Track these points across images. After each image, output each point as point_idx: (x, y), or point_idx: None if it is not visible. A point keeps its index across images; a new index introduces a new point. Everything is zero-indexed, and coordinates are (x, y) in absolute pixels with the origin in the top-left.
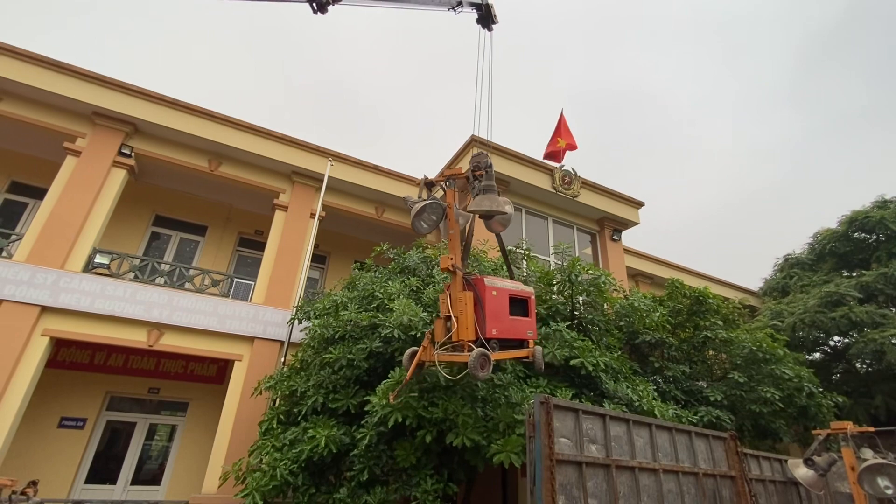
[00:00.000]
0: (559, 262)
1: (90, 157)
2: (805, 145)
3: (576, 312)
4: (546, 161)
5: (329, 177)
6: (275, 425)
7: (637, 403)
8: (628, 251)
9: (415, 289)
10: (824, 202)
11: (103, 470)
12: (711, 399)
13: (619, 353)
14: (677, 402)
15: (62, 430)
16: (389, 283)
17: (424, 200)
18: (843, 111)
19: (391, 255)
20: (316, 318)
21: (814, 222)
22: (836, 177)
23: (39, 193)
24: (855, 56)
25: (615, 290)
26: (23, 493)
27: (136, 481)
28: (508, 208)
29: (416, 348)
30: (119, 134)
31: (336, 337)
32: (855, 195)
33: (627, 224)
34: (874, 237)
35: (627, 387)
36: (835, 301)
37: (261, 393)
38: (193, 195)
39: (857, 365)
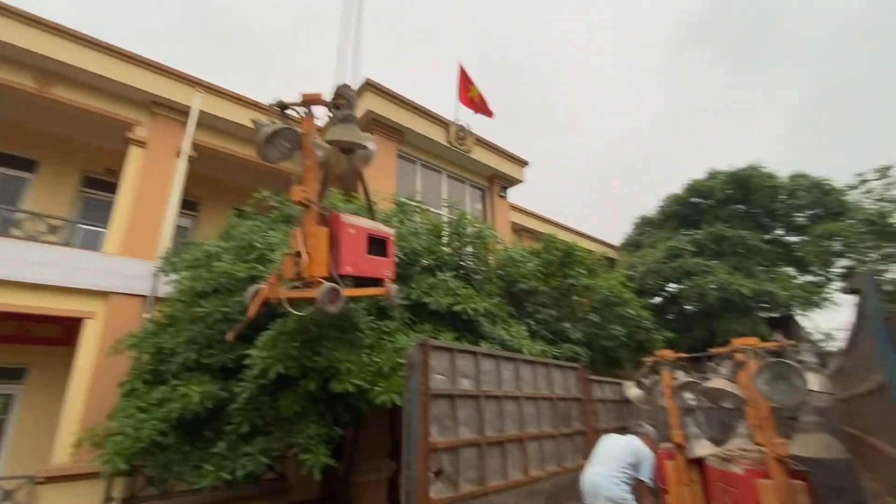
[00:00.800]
0: (452, 217)
1: None
2: (671, 121)
3: (462, 263)
4: (440, 115)
5: (200, 111)
6: (139, 385)
7: (510, 342)
8: (514, 208)
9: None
10: (684, 171)
11: None
12: (572, 337)
13: (498, 299)
14: (545, 340)
15: None
16: (271, 232)
17: (276, 125)
18: (706, 92)
19: (273, 203)
20: (185, 269)
21: (669, 188)
22: (696, 149)
23: None
24: (717, 43)
25: (498, 242)
26: None
27: None
28: (370, 144)
29: (259, 285)
30: None
31: (209, 290)
32: (709, 165)
33: (514, 182)
34: (707, 202)
35: (503, 329)
36: (675, 254)
37: (121, 352)
38: (16, 121)
39: (685, 306)
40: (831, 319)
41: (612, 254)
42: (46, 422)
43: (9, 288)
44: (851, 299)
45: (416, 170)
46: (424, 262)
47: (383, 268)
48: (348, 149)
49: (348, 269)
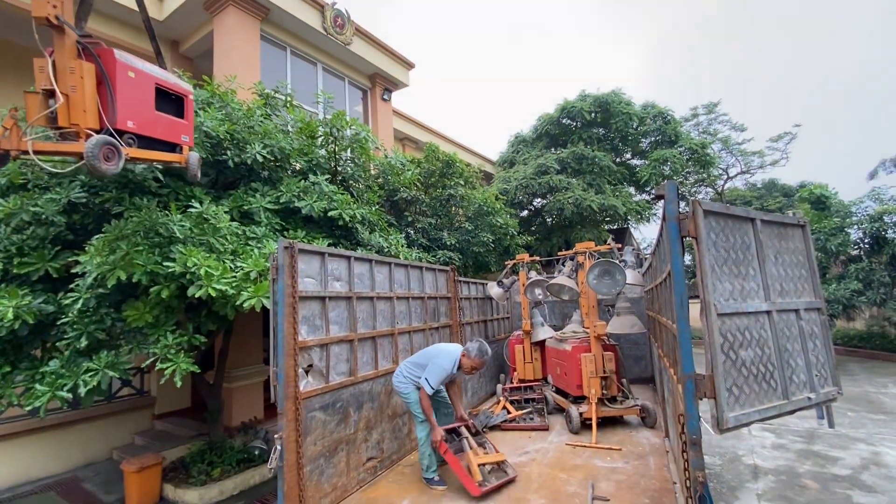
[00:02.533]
0: (328, 117)
1: None
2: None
3: (338, 168)
4: None
5: None
6: None
7: (387, 249)
8: (397, 114)
9: None
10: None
11: None
12: (448, 244)
13: (377, 207)
14: (422, 248)
15: None
16: None
17: None
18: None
19: None
20: None
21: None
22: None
23: None
24: None
25: (377, 148)
26: None
27: None
28: None
29: None
30: None
31: (11, 184)
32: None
33: (398, 84)
34: (575, 123)
35: (380, 236)
36: (543, 171)
37: None
38: None
39: (547, 219)
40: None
41: (489, 167)
42: None
43: None
44: (661, 204)
45: (286, 57)
46: (296, 164)
47: (181, 130)
48: None
49: (130, 125)
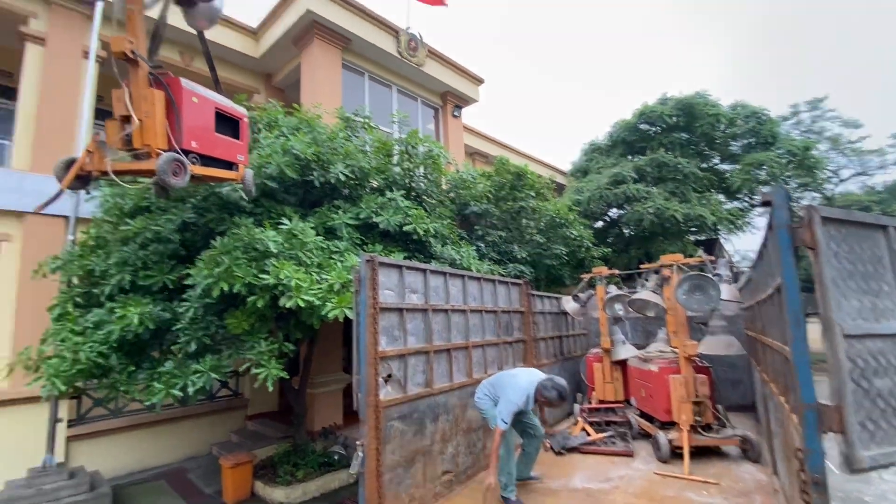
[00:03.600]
0: (403, 135)
1: None
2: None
3: (413, 184)
4: (390, 21)
5: (105, 1)
6: (70, 309)
7: (459, 262)
8: (468, 129)
9: None
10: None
11: None
12: (518, 257)
13: (449, 221)
14: (493, 261)
15: None
16: None
17: None
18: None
19: None
20: (108, 186)
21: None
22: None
23: None
24: None
25: (449, 163)
26: None
27: None
28: (217, 1)
29: (72, 157)
30: None
31: (138, 208)
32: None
33: (468, 101)
34: (655, 128)
35: (452, 249)
36: (619, 180)
37: (44, 276)
38: None
39: (624, 230)
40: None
41: (560, 178)
42: None
43: None
44: (765, 212)
45: (364, 82)
46: (374, 181)
47: (237, 150)
48: (189, 1)
49: (193, 145)
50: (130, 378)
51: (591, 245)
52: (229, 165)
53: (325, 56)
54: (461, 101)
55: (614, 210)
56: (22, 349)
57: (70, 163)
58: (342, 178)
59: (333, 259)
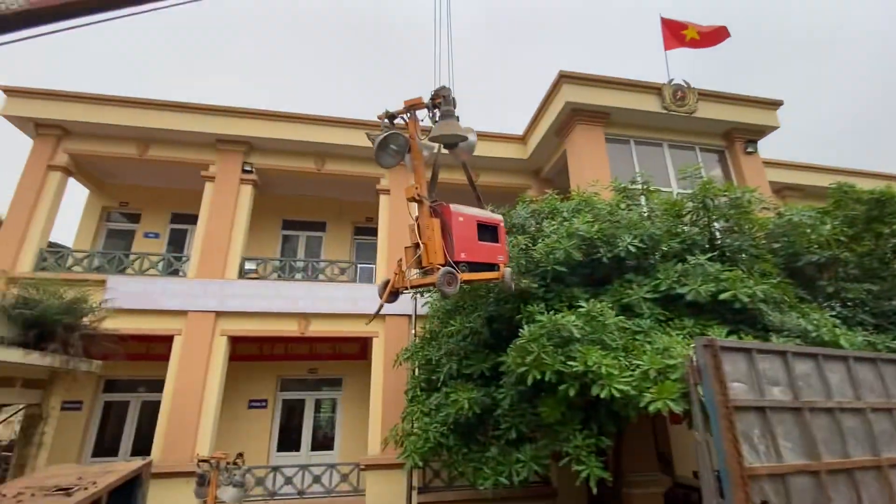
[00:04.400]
0: (684, 191)
1: (222, 180)
2: None
3: (715, 242)
4: (648, 81)
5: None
6: (419, 392)
7: (815, 334)
8: (769, 163)
9: (524, 247)
10: None
11: (287, 440)
12: None
13: (778, 279)
14: (865, 327)
15: (251, 411)
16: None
17: (384, 132)
18: None
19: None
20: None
21: None
22: None
23: (193, 219)
24: None
25: (765, 207)
26: (234, 462)
27: (314, 448)
28: (472, 136)
29: (386, 279)
30: (238, 154)
31: (456, 306)
32: None
33: (764, 131)
34: None
35: (797, 316)
36: None
37: (400, 364)
38: (308, 196)
39: None
40: None
41: None
42: (360, 420)
43: (324, 319)
44: None
45: (631, 149)
46: (664, 247)
47: (497, 253)
48: (451, 143)
49: (462, 256)
50: (464, 458)
51: None
52: (492, 267)
53: (588, 136)
54: (754, 133)
55: None
56: (388, 422)
57: (386, 283)
58: (633, 249)
59: (638, 340)
